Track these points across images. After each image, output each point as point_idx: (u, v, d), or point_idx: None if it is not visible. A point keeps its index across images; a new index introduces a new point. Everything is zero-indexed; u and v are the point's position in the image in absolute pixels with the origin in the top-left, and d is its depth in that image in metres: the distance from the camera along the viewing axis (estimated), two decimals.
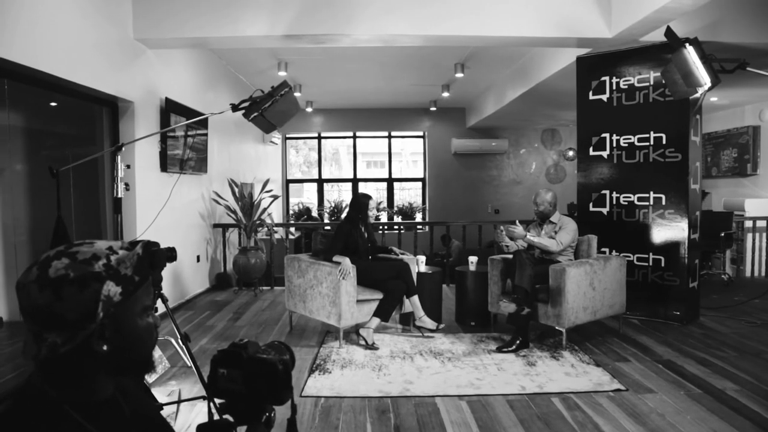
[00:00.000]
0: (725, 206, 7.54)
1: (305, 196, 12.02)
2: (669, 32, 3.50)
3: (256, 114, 3.83)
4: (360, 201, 4.51)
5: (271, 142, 9.76)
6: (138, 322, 0.92)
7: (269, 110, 3.80)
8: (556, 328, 4.05)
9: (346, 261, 4.13)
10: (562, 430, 2.74)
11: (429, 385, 3.38)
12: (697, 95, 3.71)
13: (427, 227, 10.23)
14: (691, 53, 3.37)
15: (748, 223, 6.89)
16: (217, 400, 1.03)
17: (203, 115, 5.72)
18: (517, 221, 4.37)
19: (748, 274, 6.97)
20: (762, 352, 3.88)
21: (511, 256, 4.33)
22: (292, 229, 8.80)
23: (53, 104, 4.40)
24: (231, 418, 1.03)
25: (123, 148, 3.51)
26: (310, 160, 12.02)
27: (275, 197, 6.87)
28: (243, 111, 3.90)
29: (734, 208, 7.18)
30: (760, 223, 6.85)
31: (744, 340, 4.17)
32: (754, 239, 6.87)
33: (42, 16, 3.32)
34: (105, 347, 0.86)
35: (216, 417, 1.06)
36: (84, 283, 0.84)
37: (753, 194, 7.59)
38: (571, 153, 10.98)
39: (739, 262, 7.01)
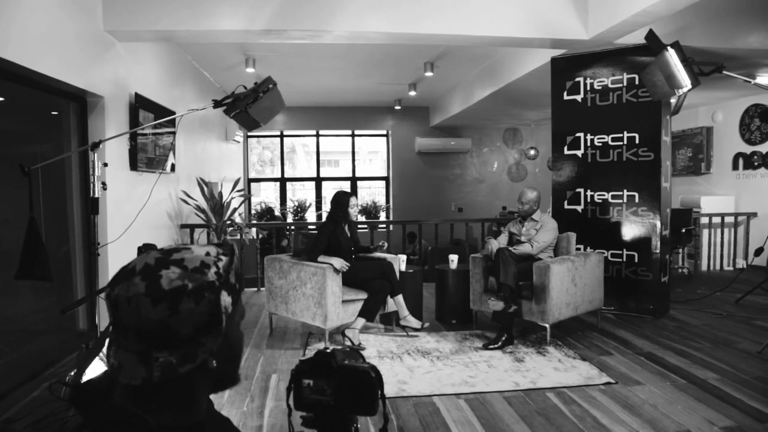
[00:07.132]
0: (682, 203, 7.88)
1: (263, 195, 11.78)
2: (651, 35, 3.62)
3: (238, 111, 3.71)
4: (339, 199, 4.43)
5: (234, 140, 9.50)
6: (239, 333, 0.85)
7: (253, 107, 3.68)
8: (540, 324, 4.11)
9: (339, 259, 4.10)
10: (563, 424, 2.78)
11: (424, 384, 3.36)
12: (674, 98, 3.84)
13: (392, 226, 10.22)
14: (672, 56, 3.49)
15: (704, 220, 7.22)
16: (299, 413, 0.98)
17: (171, 110, 5.52)
18: (490, 238, 4.41)
19: (704, 268, 7.32)
20: (733, 342, 4.07)
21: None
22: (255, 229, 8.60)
23: (3, 99, 4.09)
24: None
25: (101, 145, 3.34)
26: (263, 158, 11.79)
27: (246, 197, 6.70)
28: (224, 108, 3.78)
29: (691, 205, 7.52)
30: (716, 220, 7.19)
31: (715, 331, 4.36)
32: (710, 235, 7.22)
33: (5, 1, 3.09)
34: (214, 362, 0.79)
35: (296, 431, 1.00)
36: (200, 294, 0.76)
37: (707, 192, 7.98)
38: (532, 152, 11.23)
39: (696, 257, 7.35)
